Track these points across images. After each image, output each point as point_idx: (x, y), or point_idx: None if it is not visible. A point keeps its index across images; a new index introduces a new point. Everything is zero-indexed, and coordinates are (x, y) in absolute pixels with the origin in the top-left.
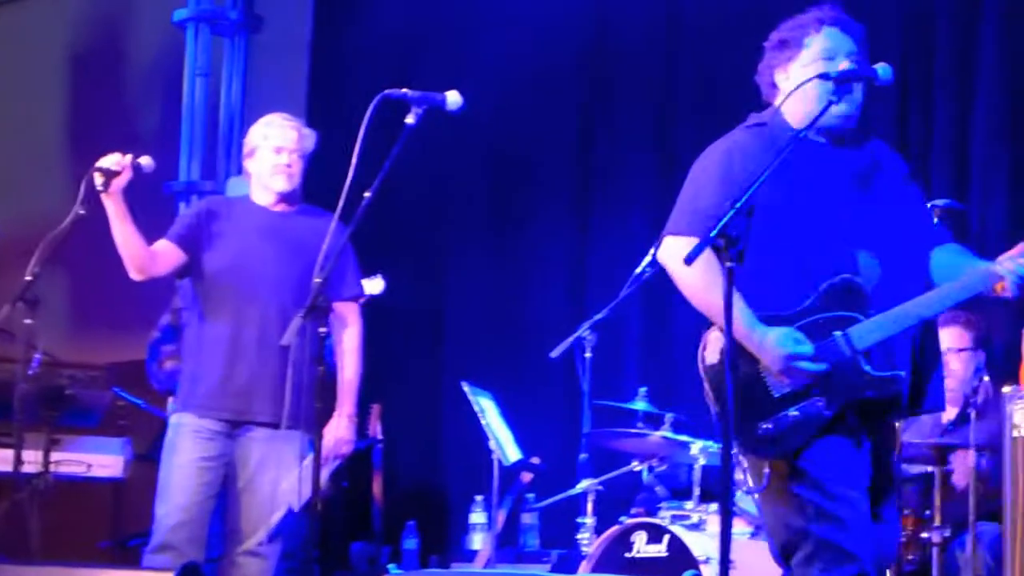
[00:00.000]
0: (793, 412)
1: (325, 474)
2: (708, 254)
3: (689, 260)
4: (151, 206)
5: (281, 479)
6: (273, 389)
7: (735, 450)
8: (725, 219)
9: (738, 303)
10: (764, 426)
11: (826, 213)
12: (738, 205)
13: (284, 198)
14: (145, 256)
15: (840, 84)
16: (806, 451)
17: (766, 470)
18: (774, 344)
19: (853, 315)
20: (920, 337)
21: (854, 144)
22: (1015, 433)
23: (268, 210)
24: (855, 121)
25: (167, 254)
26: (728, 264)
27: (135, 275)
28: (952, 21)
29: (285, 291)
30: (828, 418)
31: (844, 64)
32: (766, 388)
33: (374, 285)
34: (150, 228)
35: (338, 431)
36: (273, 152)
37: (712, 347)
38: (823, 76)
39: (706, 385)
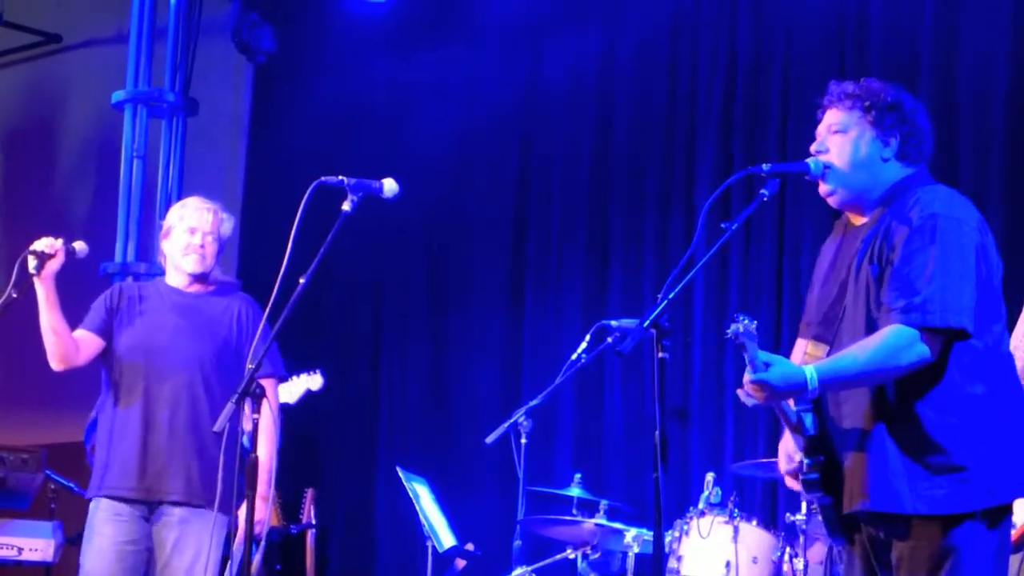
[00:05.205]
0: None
1: (257, 557)
2: None
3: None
4: (86, 287)
5: (199, 560)
6: (185, 468)
7: None
8: (657, 311)
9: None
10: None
11: (807, 304)
12: (671, 296)
13: (197, 279)
14: (70, 345)
15: (770, 179)
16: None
17: None
18: None
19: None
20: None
21: (865, 225)
22: None
23: (180, 291)
24: (842, 204)
25: (88, 343)
26: (660, 355)
27: (57, 365)
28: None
29: (196, 371)
30: (830, 503)
31: (813, 147)
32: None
33: (313, 381)
34: (84, 308)
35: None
36: (187, 232)
37: None
38: (756, 170)
39: None
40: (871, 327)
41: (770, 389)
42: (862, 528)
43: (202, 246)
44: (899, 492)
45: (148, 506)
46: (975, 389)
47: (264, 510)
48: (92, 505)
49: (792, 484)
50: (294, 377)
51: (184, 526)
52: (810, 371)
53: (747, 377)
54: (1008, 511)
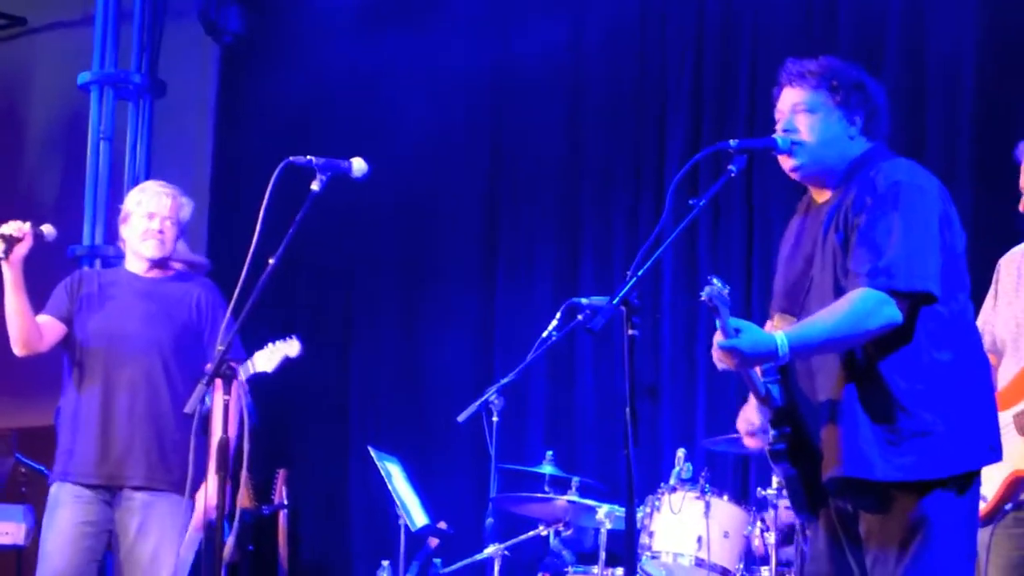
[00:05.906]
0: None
1: (230, 539)
2: None
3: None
4: (54, 270)
5: (163, 545)
6: (146, 453)
7: None
8: (626, 288)
9: None
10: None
11: (775, 285)
12: (640, 273)
13: (156, 264)
14: (34, 330)
15: (738, 155)
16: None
17: None
18: None
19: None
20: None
21: (827, 201)
22: None
23: (140, 276)
24: (807, 177)
25: (50, 329)
26: (630, 332)
27: (19, 350)
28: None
29: (155, 355)
30: (795, 475)
31: (779, 126)
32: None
33: (290, 347)
34: (52, 291)
35: (205, 498)
36: (145, 217)
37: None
38: (723, 145)
39: None
40: (839, 294)
41: (740, 355)
42: (829, 502)
43: (161, 231)
44: (870, 458)
45: (110, 491)
46: (942, 356)
47: (214, 496)
48: (53, 489)
49: (749, 442)
50: (270, 344)
51: (147, 511)
52: (780, 337)
53: (716, 342)
54: (976, 478)
